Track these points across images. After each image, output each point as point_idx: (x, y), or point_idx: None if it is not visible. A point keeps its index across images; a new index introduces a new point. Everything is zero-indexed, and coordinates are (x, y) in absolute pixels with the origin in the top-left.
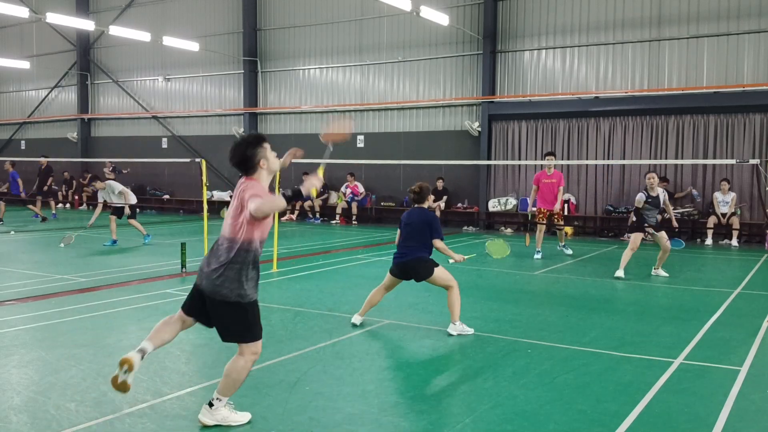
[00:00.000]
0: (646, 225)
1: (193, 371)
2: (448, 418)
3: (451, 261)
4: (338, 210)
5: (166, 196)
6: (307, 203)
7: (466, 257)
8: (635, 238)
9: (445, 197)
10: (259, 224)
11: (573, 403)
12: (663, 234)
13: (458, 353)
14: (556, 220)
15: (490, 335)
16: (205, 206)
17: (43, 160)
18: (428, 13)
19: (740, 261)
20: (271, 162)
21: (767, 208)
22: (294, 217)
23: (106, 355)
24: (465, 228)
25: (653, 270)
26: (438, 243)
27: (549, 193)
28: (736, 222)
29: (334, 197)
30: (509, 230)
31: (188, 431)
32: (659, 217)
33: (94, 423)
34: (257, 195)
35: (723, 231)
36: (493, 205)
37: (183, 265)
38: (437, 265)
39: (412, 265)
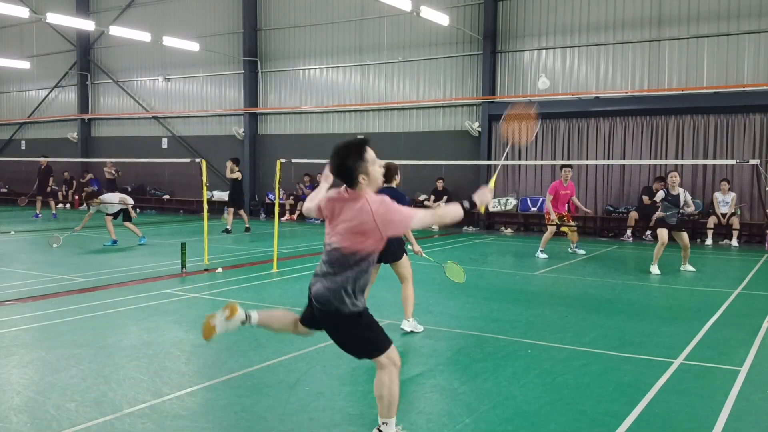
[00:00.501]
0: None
1: (193, 371)
2: (448, 418)
3: (409, 247)
4: None
5: (166, 196)
6: None
7: (425, 255)
8: (661, 233)
9: (445, 197)
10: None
11: (573, 404)
12: (684, 234)
13: (458, 353)
14: (566, 220)
15: (490, 335)
16: (206, 206)
17: (42, 160)
18: (428, 13)
19: (740, 261)
20: (372, 177)
21: (767, 208)
22: (294, 217)
23: (106, 355)
24: (465, 228)
25: (681, 266)
26: None
27: (565, 202)
28: (736, 222)
29: None
30: (509, 230)
31: (188, 431)
32: (679, 217)
33: (94, 423)
34: (408, 217)
35: (723, 231)
36: (493, 206)
37: (183, 266)
38: (406, 252)
39: (386, 246)
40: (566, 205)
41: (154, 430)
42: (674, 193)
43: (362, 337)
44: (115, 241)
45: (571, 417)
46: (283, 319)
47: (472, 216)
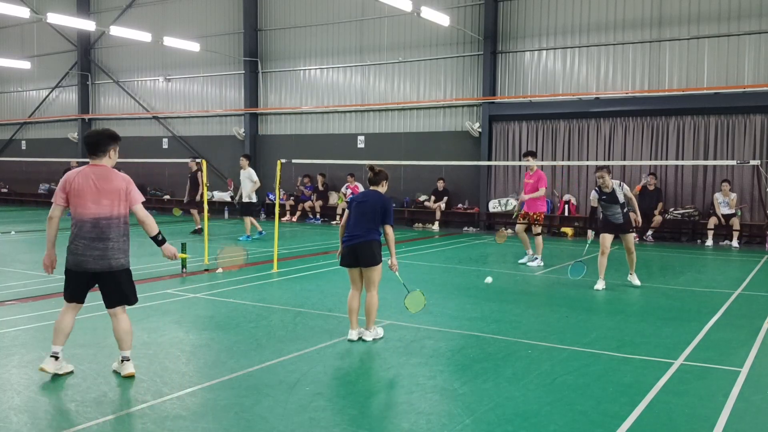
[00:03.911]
0: (596, 227)
1: (193, 371)
2: (448, 418)
3: (388, 260)
4: (339, 210)
5: (167, 197)
6: (308, 203)
7: (398, 274)
8: (603, 239)
9: (445, 198)
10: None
11: (573, 404)
12: (629, 236)
13: (458, 354)
14: (529, 221)
15: (491, 336)
16: (206, 206)
17: None
18: (429, 13)
19: (741, 262)
20: (114, 156)
21: (767, 209)
22: (294, 218)
23: (106, 356)
24: (465, 229)
25: (628, 276)
26: (389, 229)
27: (529, 193)
28: (736, 223)
29: (334, 198)
30: (509, 231)
31: (188, 431)
32: (624, 213)
33: (94, 423)
34: (141, 200)
35: (723, 232)
36: (494, 206)
37: (183, 266)
38: (382, 260)
39: (364, 247)
40: (536, 204)
41: (154, 430)
42: (606, 191)
43: (133, 286)
44: (255, 233)
45: (571, 418)
46: (63, 322)
47: (472, 218)
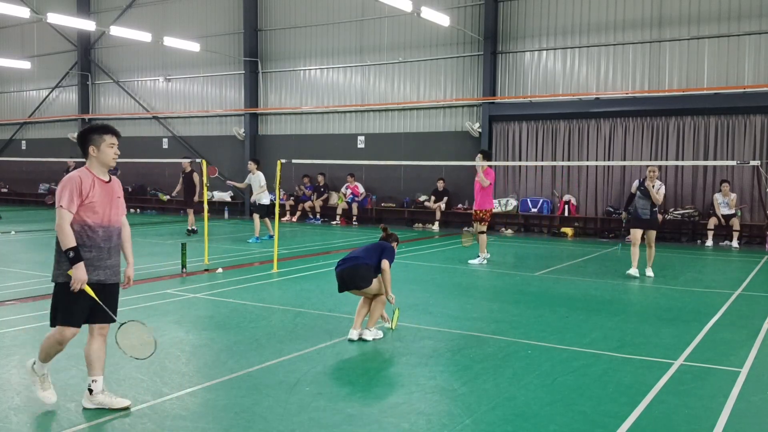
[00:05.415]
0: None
1: (193, 371)
2: (448, 418)
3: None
4: (339, 210)
5: (167, 197)
6: (308, 203)
7: (395, 307)
8: (633, 233)
9: (445, 198)
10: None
11: (573, 405)
12: (652, 232)
13: (458, 354)
14: (475, 220)
15: (491, 336)
16: (206, 207)
17: None
18: (429, 13)
19: (741, 262)
20: (102, 152)
21: (767, 209)
22: (294, 218)
23: (107, 356)
24: (465, 229)
25: (645, 269)
26: (385, 264)
27: (478, 191)
28: (736, 223)
29: (334, 198)
30: (509, 231)
31: (188, 431)
32: (653, 211)
33: (95, 423)
34: (60, 205)
35: (723, 232)
36: (494, 206)
37: (183, 266)
38: (376, 276)
39: (349, 272)
40: (478, 203)
41: (154, 430)
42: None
43: (54, 301)
44: (266, 235)
45: (571, 418)
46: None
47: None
